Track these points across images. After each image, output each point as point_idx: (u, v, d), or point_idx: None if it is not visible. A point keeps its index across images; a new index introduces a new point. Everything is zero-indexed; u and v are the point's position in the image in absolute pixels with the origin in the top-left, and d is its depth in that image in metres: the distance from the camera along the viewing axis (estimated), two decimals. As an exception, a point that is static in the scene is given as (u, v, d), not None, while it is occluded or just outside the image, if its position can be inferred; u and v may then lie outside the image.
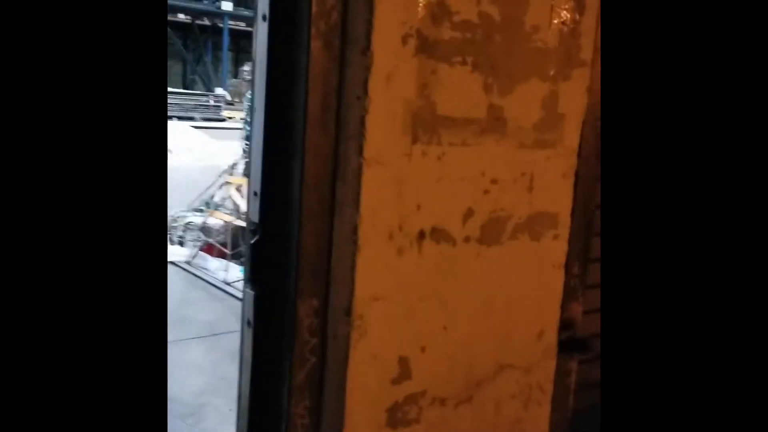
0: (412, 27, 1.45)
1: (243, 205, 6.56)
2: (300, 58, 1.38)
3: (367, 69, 1.40)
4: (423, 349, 1.63)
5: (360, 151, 1.43)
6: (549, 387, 1.95)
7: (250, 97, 6.93)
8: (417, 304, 1.60)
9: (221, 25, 30.08)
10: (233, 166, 7.86)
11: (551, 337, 1.92)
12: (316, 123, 1.40)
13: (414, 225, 1.55)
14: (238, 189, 6.65)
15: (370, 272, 1.49)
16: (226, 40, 30.21)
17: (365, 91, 1.41)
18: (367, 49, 1.40)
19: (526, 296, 1.83)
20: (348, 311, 1.48)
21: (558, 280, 1.89)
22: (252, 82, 1.46)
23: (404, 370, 1.60)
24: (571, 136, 1.81)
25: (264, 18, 1.39)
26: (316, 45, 1.37)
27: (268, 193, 1.43)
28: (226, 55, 30.87)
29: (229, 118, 22.44)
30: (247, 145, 6.83)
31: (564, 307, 1.93)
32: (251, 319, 1.47)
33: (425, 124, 1.52)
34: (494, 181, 1.67)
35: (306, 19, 1.36)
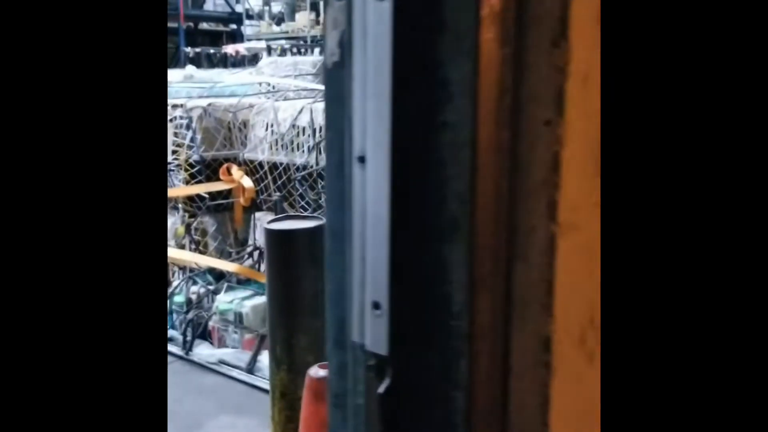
0: (606, -7, 0.86)
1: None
2: (457, 63, 0.76)
3: (562, 71, 0.80)
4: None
5: (552, 211, 0.83)
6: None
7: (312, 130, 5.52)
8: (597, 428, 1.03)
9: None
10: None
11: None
12: (487, 174, 0.79)
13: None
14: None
15: (565, 406, 0.90)
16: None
17: (560, 111, 0.81)
18: (561, 37, 0.79)
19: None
20: (540, 477, 0.89)
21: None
22: (340, 107, 0.82)
23: None
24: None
25: (379, -7, 0.75)
26: (487, 37, 0.75)
27: (402, 305, 0.81)
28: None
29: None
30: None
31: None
32: None
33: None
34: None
35: (468, -9, 0.74)
